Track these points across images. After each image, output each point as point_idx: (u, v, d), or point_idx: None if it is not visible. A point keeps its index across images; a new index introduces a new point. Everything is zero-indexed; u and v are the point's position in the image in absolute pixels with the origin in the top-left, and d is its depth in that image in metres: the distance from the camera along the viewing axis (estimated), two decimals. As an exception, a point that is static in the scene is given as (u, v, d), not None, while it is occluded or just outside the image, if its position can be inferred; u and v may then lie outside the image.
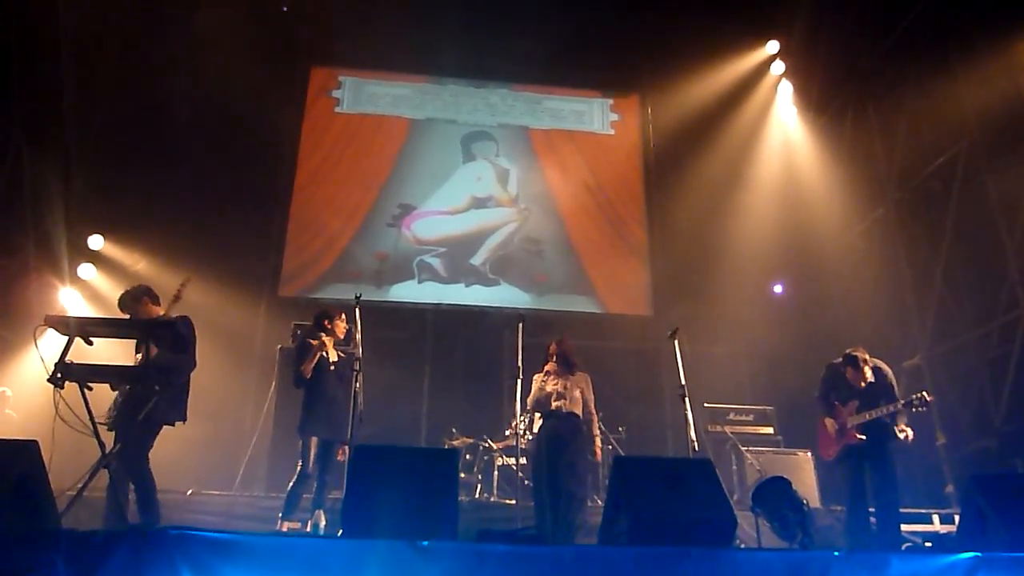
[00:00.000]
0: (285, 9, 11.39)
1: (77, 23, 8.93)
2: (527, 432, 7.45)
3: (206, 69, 10.14)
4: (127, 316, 5.26)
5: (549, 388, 5.93)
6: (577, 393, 5.96)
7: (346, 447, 5.59)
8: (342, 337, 5.97)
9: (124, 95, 10.02)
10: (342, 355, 5.91)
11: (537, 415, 6.14)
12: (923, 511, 6.89)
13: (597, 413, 6.18)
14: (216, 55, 9.95)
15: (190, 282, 5.61)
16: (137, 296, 5.34)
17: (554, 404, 5.86)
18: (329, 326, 5.85)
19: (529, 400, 6.02)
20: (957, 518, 4.70)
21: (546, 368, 6.03)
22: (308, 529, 5.40)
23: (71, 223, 9.04)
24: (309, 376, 5.62)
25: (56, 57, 8.81)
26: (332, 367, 5.75)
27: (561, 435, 5.80)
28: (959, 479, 7.34)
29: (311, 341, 5.69)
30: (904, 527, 6.32)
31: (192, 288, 8.50)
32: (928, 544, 5.71)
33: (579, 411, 5.92)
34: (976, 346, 7.81)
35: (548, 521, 5.58)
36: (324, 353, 5.71)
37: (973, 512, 4.00)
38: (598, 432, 6.20)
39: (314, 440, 5.53)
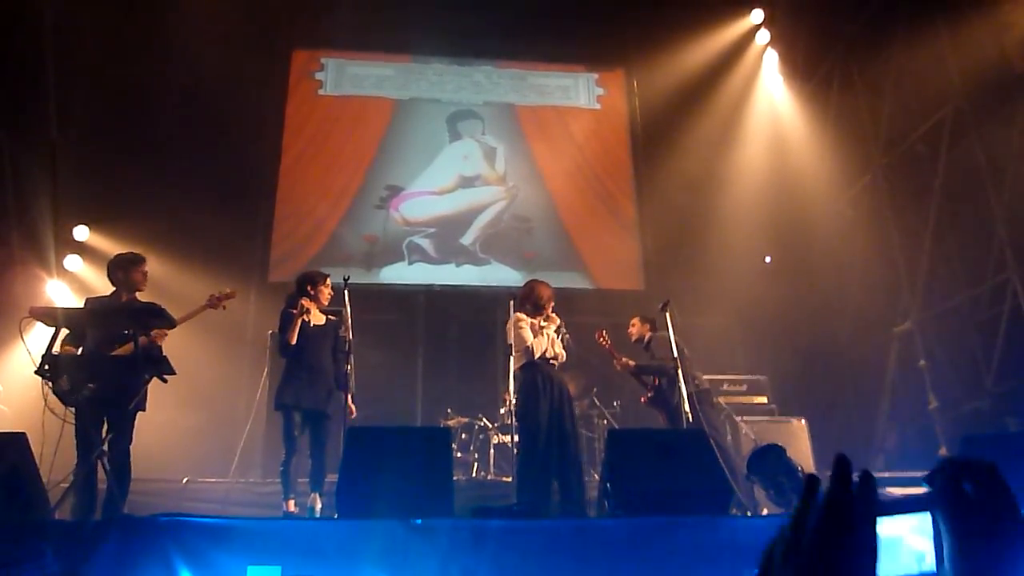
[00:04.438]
0: (264, -9, 11.24)
1: (57, 10, 8.80)
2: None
3: (188, 55, 10.01)
4: (116, 281, 5.04)
5: (546, 338, 5.48)
6: (559, 341, 5.63)
7: (349, 395, 5.48)
8: (326, 303, 5.77)
9: (106, 83, 9.90)
10: (331, 318, 5.76)
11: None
12: (916, 474, 6.92)
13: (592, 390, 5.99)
14: (197, 40, 9.81)
15: (233, 297, 5.32)
16: (136, 261, 5.10)
17: (556, 352, 5.48)
18: (312, 291, 5.67)
19: (532, 345, 5.46)
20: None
21: (545, 313, 5.60)
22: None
23: (57, 214, 8.96)
24: (294, 343, 5.42)
25: (37, 46, 8.69)
26: (316, 332, 5.57)
27: (565, 389, 5.39)
28: (952, 441, 7.38)
29: (292, 311, 5.53)
30: (899, 490, 6.38)
31: (181, 276, 8.51)
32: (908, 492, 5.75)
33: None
34: (966, 309, 7.84)
35: (546, 497, 5.13)
36: (307, 319, 5.53)
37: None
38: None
39: (296, 414, 5.38)
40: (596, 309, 10.48)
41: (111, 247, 9.33)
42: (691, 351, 6.78)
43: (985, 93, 7.43)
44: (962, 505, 0.72)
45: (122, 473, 4.60)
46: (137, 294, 5.11)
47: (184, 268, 8.72)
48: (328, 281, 5.84)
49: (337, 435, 5.46)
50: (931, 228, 8.20)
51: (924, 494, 0.75)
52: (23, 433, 3.54)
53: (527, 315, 5.67)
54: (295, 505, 5.36)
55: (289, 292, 5.86)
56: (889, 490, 6.41)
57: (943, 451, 7.59)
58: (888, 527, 0.85)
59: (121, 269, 5.06)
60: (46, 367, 4.21)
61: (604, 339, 6.50)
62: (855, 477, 0.68)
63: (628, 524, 3.29)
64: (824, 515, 0.67)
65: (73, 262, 9.34)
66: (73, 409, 4.43)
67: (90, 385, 4.48)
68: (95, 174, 9.64)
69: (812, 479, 0.71)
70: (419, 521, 2.89)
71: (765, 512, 5.50)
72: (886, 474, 7.21)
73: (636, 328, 7.01)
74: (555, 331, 5.64)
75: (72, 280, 9.25)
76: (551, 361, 5.52)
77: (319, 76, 11.56)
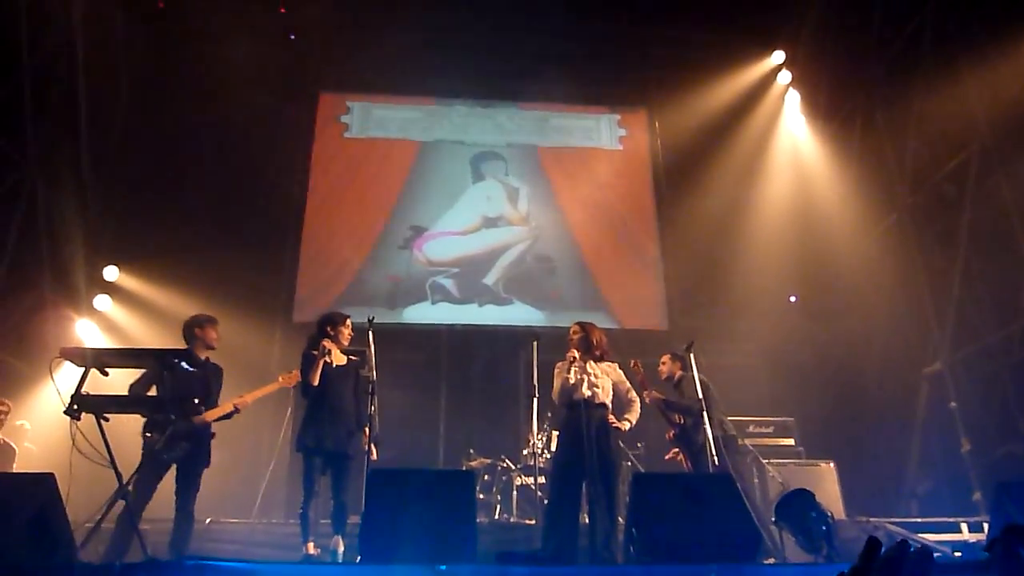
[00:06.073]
0: (293, 37, 11.53)
1: (91, 56, 9.08)
2: (545, 450, 7.39)
3: (217, 99, 10.27)
4: (189, 343, 5.51)
5: (574, 378, 5.39)
6: (607, 382, 5.48)
7: (366, 430, 5.45)
8: (347, 344, 5.78)
9: (136, 127, 10.17)
10: (352, 359, 5.75)
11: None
12: (951, 520, 6.76)
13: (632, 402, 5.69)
14: (226, 85, 10.08)
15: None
16: (212, 321, 5.65)
17: (582, 393, 5.32)
18: (332, 332, 5.69)
19: (554, 392, 5.49)
20: (986, 526, 4.61)
21: (568, 356, 5.51)
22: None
23: (87, 255, 9.13)
24: (316, 384, 5.43)
25: (72, 91, 8.95)
26: (338, 373, 5.56)
27: (591, 429, 5.16)
28: (986, 486, 7.20)
29: (313, 352, 5.54)
30: (933, 536, 6.23)
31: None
32: (957, 554, 5.60)
33: (609, 402, 5.43)
34: (998, 349, 7.69)
35: (572, 543, 4.92)
36: (328, 360, 5.53)
37: (1002, 519, 3.92)
38: (635, 413, 5.59)
39: (317, 457, 5.35)
40: (619, 349, 10.42)
41: (140, 287, 9.50)
42: (718, 393, 6.70)
43: (1011, 131, 7.40)
44: (1019, 571, 0.71)
45: (187, 518, 5.12)
46: (209, 352, 5.60)
47: (211, 308, 8.72)
48: (348, 322, 5.86)
49: (360, 476, 5.42)
50: (959, 268, 8.09)
51: (982, 560, 0.75)
52: (51, 474, 3.56)
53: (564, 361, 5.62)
54: (315, 547, 5.31)
55: (311, 333, 5.88)
56: (923, 536, 6.27)
57: (977, 496, 7.41)
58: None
59: (198, 327, 5.55)
60: (75, 407, 4.25)
61: (638, 368, 6.40)
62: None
63: (654, 571, 3.23)
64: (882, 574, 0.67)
65: (102, 302, 9.47)
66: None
67: (184, 444, 5.10)
68: (125, 215, 9.86)
69: (873, 541, 0.72)
70: (444, 567, 2.86)
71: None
72: (919, 520, 7.04)
73: (667, 366, 6.89)
74: (574, 369, 5.50)
75: (101, 320, 9.38)
76: (583, 401, 5.36)
77: (345, 119, 11.76)
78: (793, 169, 11.03)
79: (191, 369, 5.40)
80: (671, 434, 6.66)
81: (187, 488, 5.17)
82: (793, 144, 11.19)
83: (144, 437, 4.99)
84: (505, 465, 7.76)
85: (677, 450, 6.66)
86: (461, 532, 3.74)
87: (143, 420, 5.04)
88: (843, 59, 10.45)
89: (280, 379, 5.70)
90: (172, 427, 5.04)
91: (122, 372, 4.76)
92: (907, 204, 9.06)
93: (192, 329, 5.56)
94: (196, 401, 5.31)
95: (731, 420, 8.49)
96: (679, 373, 6.73)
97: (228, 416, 5.47)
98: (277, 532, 6.64)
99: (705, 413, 5.81)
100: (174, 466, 5.18)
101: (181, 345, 5.34)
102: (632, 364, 6.40)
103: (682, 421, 6.52)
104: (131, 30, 10.06)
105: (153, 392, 5.13)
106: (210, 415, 5.35)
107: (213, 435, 5.36)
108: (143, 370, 5.18)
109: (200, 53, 10.41)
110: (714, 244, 10.87)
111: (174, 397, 5.01)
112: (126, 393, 5.03)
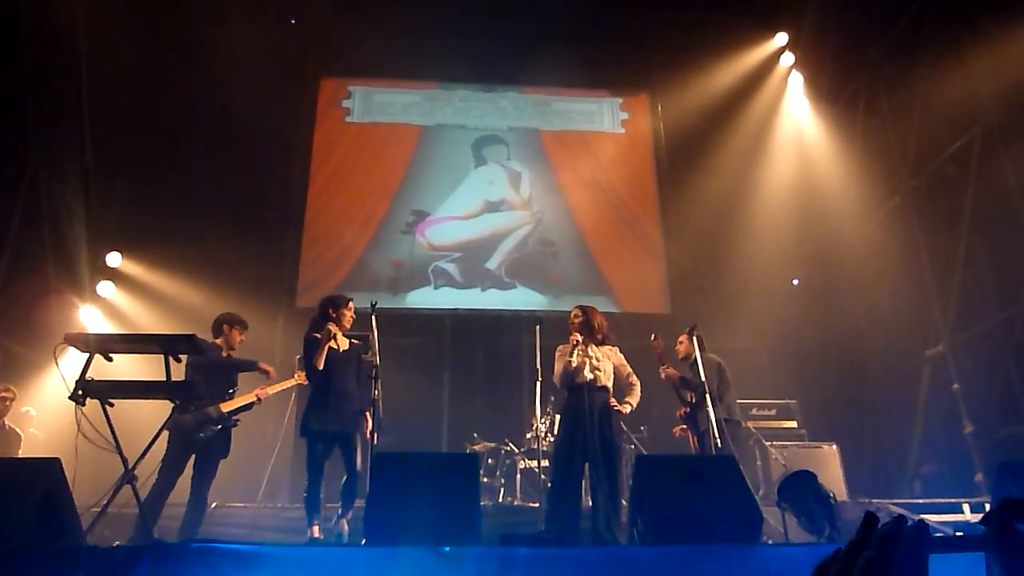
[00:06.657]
0: (293, 22, 11.48)
1: (93, 41, 9.05)
2: (547, 434, 7.41)
3: (218, 85, 10.24)
4: (216, 336, 5.77)
5: (576, 361, 5.40)
6: (608, 365, 5.47)
7: (368, 414, 5.40)
8: (349, 327, 5.71)
9: (138, 113, 10.15)
10: (355, 342, 5.72)
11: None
12: (953, 500, 6.79)
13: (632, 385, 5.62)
14: (227, 71, 10.04)
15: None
16: (241, 322, 5.91)
17: (584, 376, 5.33)
18: (335, 314, 5.60)
19: (556, 376, 5.50)
20: (988, 507, 4.62)
21: (571, 339, 5.51)
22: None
23: (90, 241, 9.14)
24: (322, 367, 5.37)
25: (74, 77, 8.93)
26: (341, 357, 5.53)
27: (593, 412, 5.19)
28: (988, 467, 7.22)
29: (316, 335, 5.48)
30: (935, 517, 6.26)
31: (210, 302, 8.64)
32: (959, 534, 5.61)
33: (610, 385, 5.44)
34: (1000, 331, 7.69)
35: (574, 525, 5.03)
36: (333, 344, 5.48)
37: (1004, 500, 3.92)
38: (636, 396, 5.57)
39: (320, 442, 5.35)
40: (622, 333, 10.43)
41: (142, 273, 9.51)
42: (732, 377, 6.73)
43: (1014, 113, 7.35)
44: (1015, 545, 0.71)
45: (200, 505, 5.31)
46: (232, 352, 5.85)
47: (213, 293, 8.85)
48: (351, 304, 5.80)
49: (365, 460, 5.44)
50: (962, 250, 8.07)
51: (978, 534, 0.74)
52: (57, 458, 3.58)
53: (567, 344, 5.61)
54: (320, 531, 5.33)
55: (314, 316, 5.86)
56: (924, 516, 6.30)
57: (979, 477, 7.43)
58: (940, 566, 0.84)
59: (227, 324, 5.81)
60: (80, 392, 4.27)
61: (658, 344, 6.39)
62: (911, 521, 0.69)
63: (657, 552, 3.25)
64: (878, 551, 0.67)
65: (105, 288, 9.49)
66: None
67: (213, 427, 5.40)
68: (127, 201, 9.86)
69: (870, 516, 0.72)
70: (448, 549, 2.88)
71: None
72: (921, 500, 7.07)
73: (684, 345, 6.82)
74: (576, 352, 5.50)
75: (104, 306, 9.40)
76: (586, 385, 5.34)
77: (346, 104, 11.73)
78: (796, 152, 10.99)
79: (222, 360, 5.69)
80: (681, 412, 6.64)
81: (204, 474, 5.34)
82: (796, 127, 11.15)
83: (172, 413, 4.86)
84: (508, 448, 7.79)
85: (685, 427, 6.65)
86: (465, 515, 3.76)
87: (148, 405, 5.04)
88: (846, 41, 10.39)
89: (297, 376, 5.96)
90: (203, 408, 5.32)
91: (126, 357, 4.77)
92: (910, 186, 9.03)
93: (222, 325, 5.81)
94: (230, 389, 5.61)
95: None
96: (695, 353, 6.72)
97: (248, 407, 5.65)
98: (282, 516, 6.69)
99: (708, 395, 5.82)
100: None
101: (186, 329, 5.33)
102: (652, 338, 6.40)
103: (693, 400, 6.52)
104: (133, 15, 10.03)
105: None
106: (233, 403, 5.54)
107: (236, 423, 5.57)
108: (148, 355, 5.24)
109: (201, 39, 10.37)
110: (716, 227, 10.86)
111: (196, 384, 5.14)
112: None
